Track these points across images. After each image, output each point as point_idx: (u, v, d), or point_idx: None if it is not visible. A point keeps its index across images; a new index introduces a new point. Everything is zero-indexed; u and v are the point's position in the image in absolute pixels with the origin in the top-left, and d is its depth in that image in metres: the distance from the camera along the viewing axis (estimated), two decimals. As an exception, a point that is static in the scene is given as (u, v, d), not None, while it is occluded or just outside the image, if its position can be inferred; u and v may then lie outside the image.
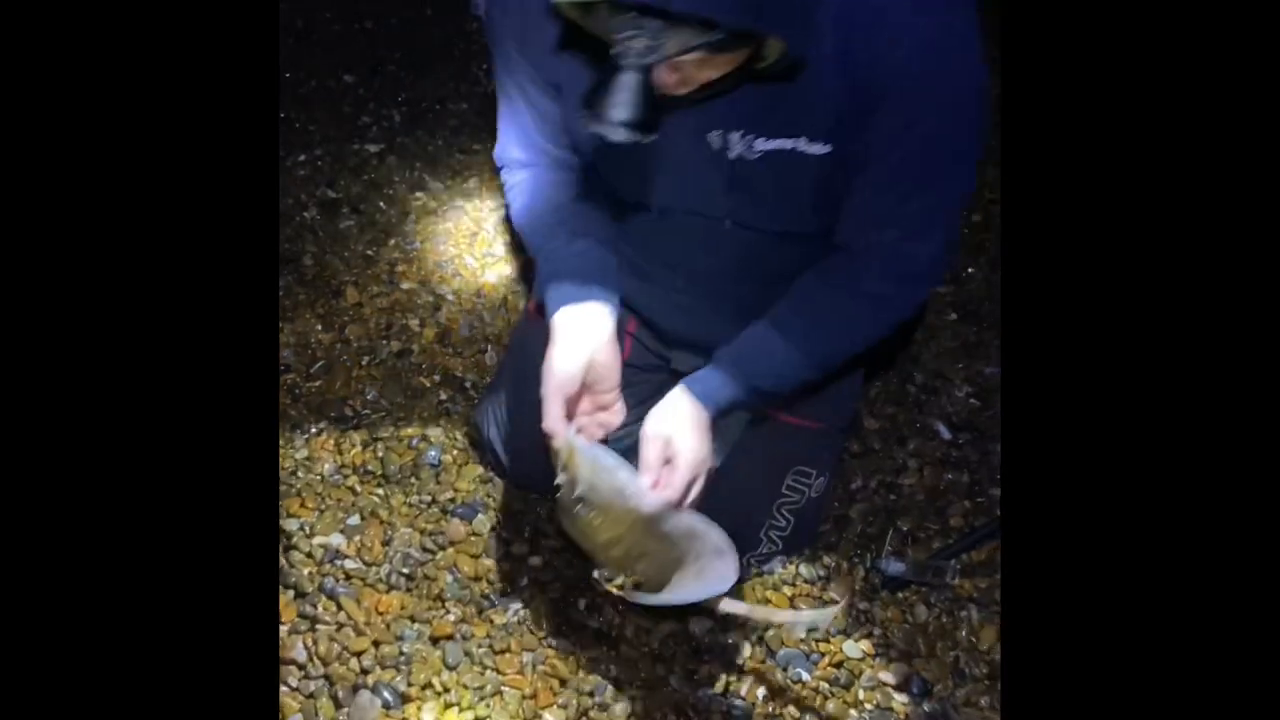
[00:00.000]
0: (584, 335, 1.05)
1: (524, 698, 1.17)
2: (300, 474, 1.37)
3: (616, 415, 1.09)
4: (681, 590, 1.05)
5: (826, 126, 0.98)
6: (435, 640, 1.20)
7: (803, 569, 1.35)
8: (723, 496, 1.30)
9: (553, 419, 1.02)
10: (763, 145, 1.00)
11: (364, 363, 1.53)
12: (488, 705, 1.15)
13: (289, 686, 1.13)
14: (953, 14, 0.94)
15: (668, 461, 1.04)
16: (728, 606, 1.07)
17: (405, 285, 1.66)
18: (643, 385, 1.28)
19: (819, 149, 1.00)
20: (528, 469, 1.32)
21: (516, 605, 1.24)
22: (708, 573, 1.04)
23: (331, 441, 1.41)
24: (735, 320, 1.14)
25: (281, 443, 1.40)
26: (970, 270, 1.78)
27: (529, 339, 1.29)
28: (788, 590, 1.33)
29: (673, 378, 1.23)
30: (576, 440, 1.03)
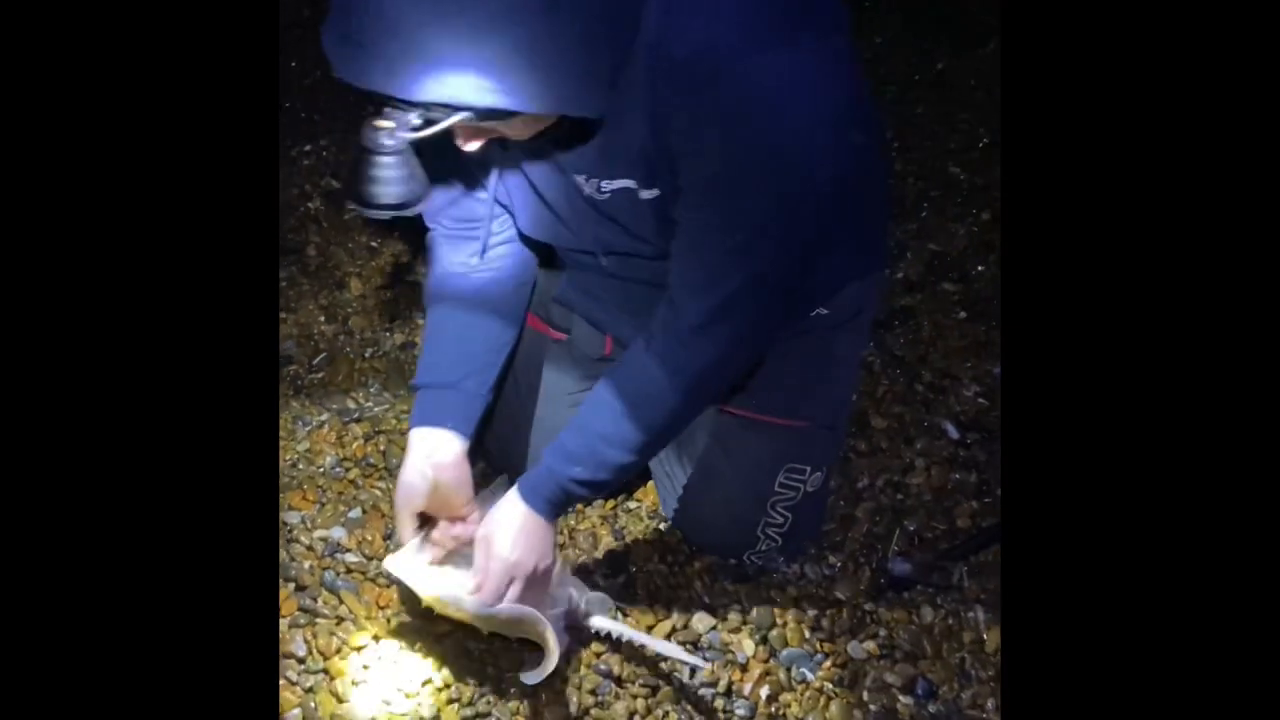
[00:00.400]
0: (428, 460, 1.11)
1: (524, 695, 1.16)
2: (302, 466, 1.36)
3: (470, 526, 1.12)
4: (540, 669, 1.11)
5: (645, 171, 0.95)
6: (436, 636, 1.19)
7: (808, 569, 1.34)
8: (713, 498, 1.29)
9: (402, 533, 1.12)
10: (608, 186, 0.99)
11: (367, 355, 1.52)
12: (488, 701, 1.14)
13: (289, 680, 1.12)
14: (791, 52, 0.87)
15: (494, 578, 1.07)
16: (600, 624, 1.15)
17: (409, 278, 1.65)
18: None
19: (649, 193, 0.97)
20: (516, 467, 1.31)
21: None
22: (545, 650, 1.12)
23: (333, 434, 1.40)
24: None
25: (283, 434, 1.39)
26: (980, 268, 1.77)
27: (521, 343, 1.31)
28: (792, 590, 1.31)
29: None
30: (394, 571, 1.12)
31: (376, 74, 0.79)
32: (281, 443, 1.38)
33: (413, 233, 1.72)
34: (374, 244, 1.70)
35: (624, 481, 1.18)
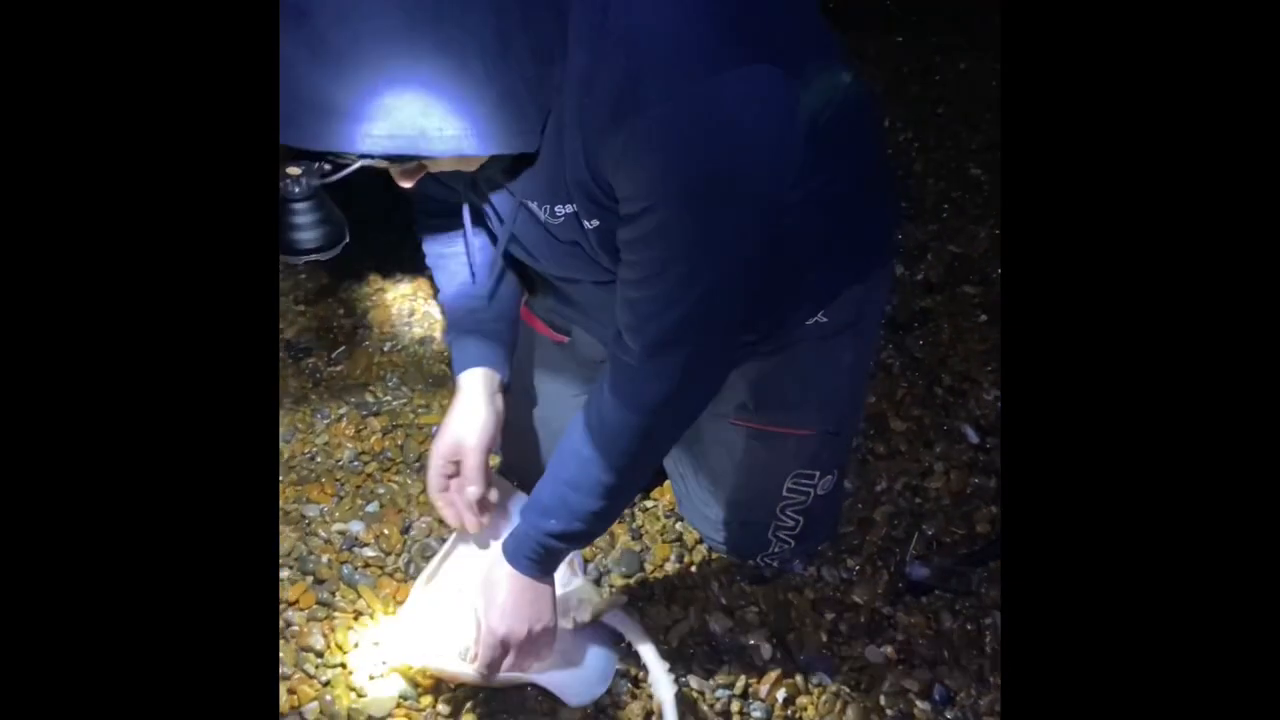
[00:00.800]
0: (453, 416, 1.11)
1: (540, 695, 1.15)
2: (320, 459, 1.36)
3: (477, 485, 1.11)
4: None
5: (585, 202, 0.93)
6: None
7: (825, 572, 1.33)
8: (722, 503, 1.29)
9: (431, 491, 1.11)
10: (561, 211, 0.97)
11: (386, 349, 1.52)
12: (503, 701, 1.14)
13: (306, 674, 1.12)
14: (716, 80, 0.83)
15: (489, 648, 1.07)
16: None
17: (428, 273, 1.64)
18: None
19: (590, 223, 0.95)
20: (519, 467, 1.35)
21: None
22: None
23: (352, 428, 1.40)
24: None
25: (301, 427, 1.39)
26: (1000, 272, 1.75)
27: (521, 343, 1.30)
28: (810, 593, 1.31)
29: None
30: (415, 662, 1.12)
31: (287, 126, 0.77)
32: (300, 435, 1.38)
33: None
34: (392, 238, 1.70)
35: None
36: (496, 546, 1.13)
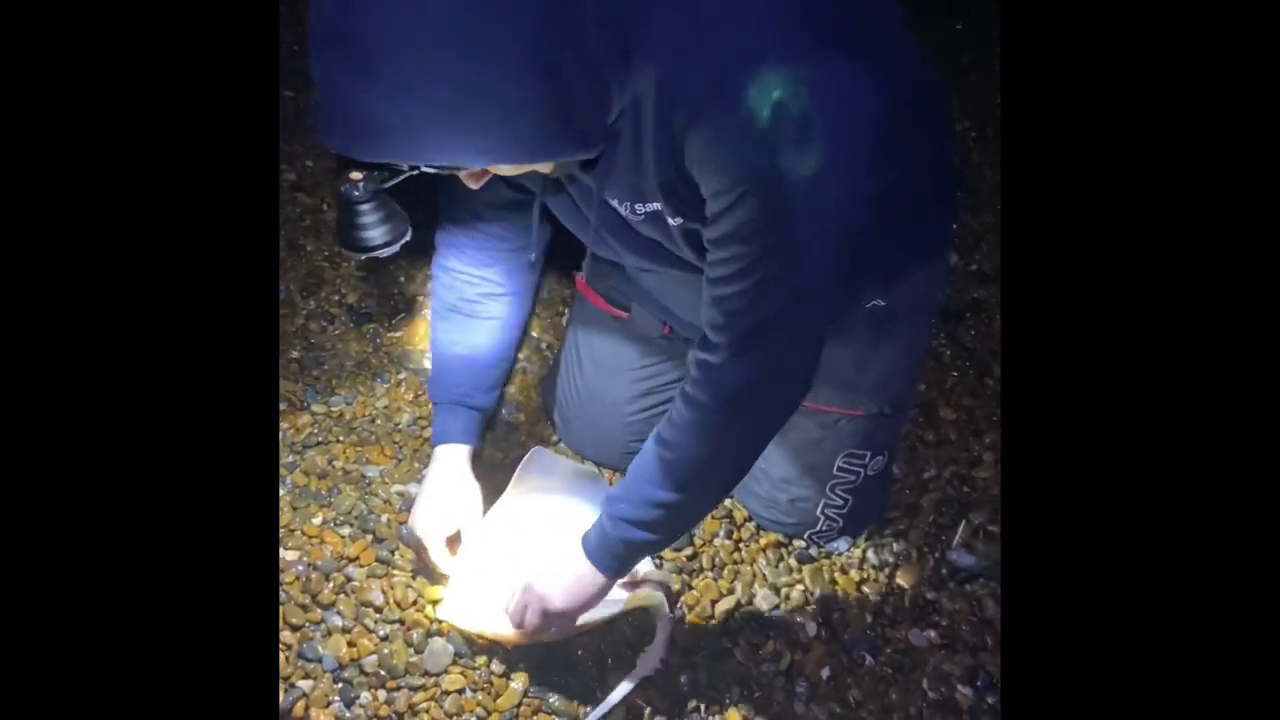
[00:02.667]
0: (442, 494, 1.21)
1: (590, 658, 1.18)
2: (380, 422, 1.39)
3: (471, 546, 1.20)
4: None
5: (670, 200, 0.93)
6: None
7: (871, 554, 1.35)
8: (772, 479, 1.31)
9: (439, 563, 1.19)
10: (641, 209, 0.98)
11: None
12: (554, 660, 1.17)
13: (366, 627, 1.16)
14: (801, 72, 0.81)
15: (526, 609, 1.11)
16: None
17: (486, 243, 1.66)
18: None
19: (675, 220, 0.95)
20: (576, 438, 1.39)
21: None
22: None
23: (411, 393, 1.43)
24: None
25: (362, 390, 1.42)
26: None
27: (576, 312, 1.38)
28: (855, 574, 1.33)
29: None
30: (447, 619, 1.17)
31: (339, 139, 0.81)
32: (360, 398, 1.41)
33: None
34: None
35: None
36: (536, 518, 1.19)
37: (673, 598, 1.24)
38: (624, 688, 1.15)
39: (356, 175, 0.88)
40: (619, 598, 1.18)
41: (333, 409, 1.39)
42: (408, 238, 0.93)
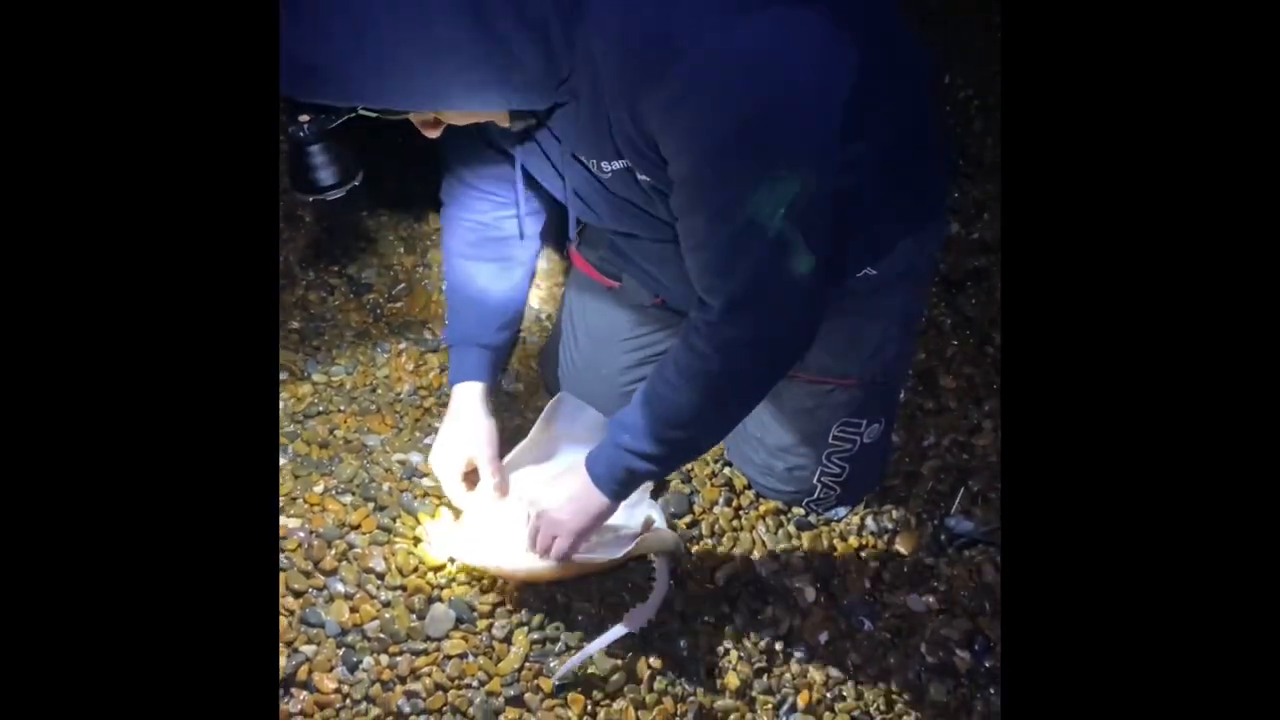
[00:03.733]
0: (459, 431, 1.22)
1: (591, 623, 1.19)
2: (380, 391, 1.39)
3: (504, 492, 1.22)
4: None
5: (635, 157, 0.94)
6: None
7: (870, 521, 1.36)
8: (769, 448, 1.31)
9: (457, 501, 1.21)
10: (608, 166, 0.98)
11: (444, 288, 1.54)
12: (556, 627, 1.18)
13: (368, 594, 1.17)
14: (752, 23, 0.82)
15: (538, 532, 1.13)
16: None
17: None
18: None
19: (643, 178, 0.96)
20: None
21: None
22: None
23: (411, 363, 1.43)
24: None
25: (363, 360, 1.42)
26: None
27: (571, 283, 1.39)
28: (854, 541, 1.33)
29: None
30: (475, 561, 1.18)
31: (284, 81, 0.83)
32: (361, 368, 1.41)
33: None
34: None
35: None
36: (556, 461, 1.22)
37: (679, 556, 1.24)
38: (615, 631, 1.15)
39: (304, 117, 0.90)
40: (628, 534, 1.19)
41: (333, 379, 1.39)
42: (357, 182, 0.96)
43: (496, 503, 1.21)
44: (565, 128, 0.98)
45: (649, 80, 0.84)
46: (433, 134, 0.96)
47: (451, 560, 1.20)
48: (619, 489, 1.11)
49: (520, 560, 1.15)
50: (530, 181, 1.17)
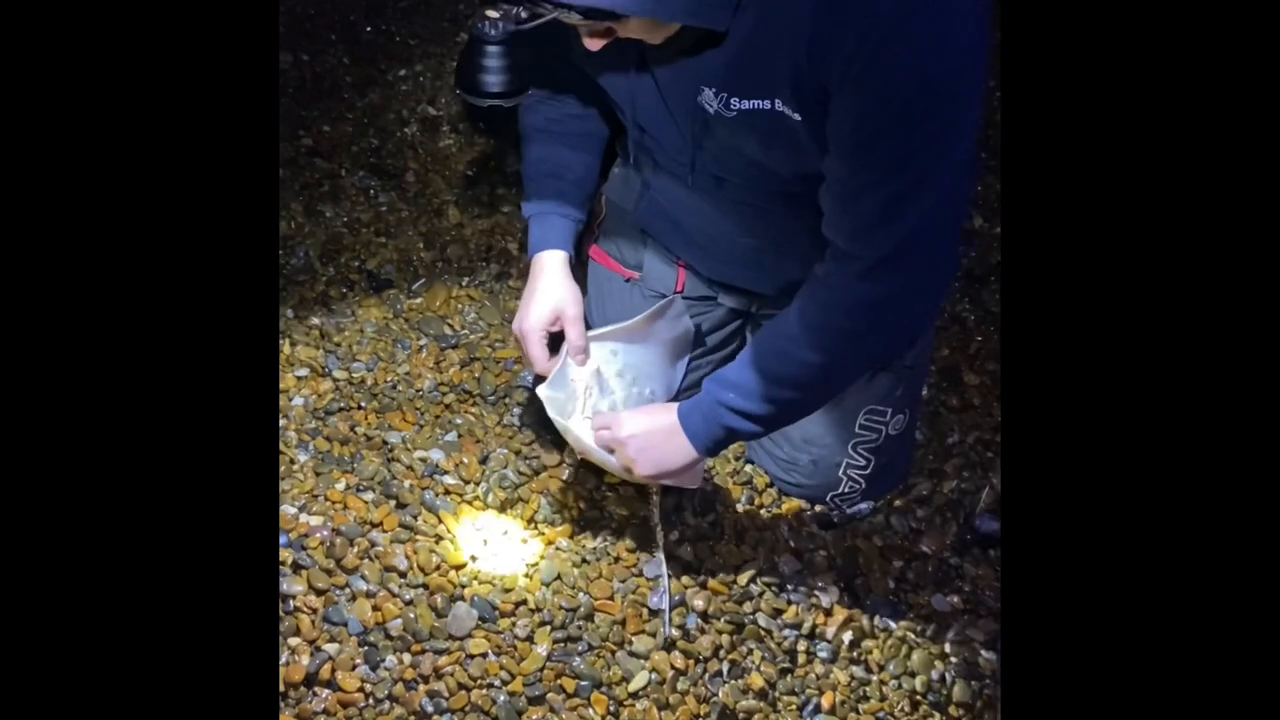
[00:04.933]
0: (547, 288, 1.19)
1: (614, 623, 1.19)
2: (401, 388, 1.39)
3: (586, 353, 1.21)
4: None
5: (792, 94, 0.94)
6: (530, 560, 1.22)
7: (894, 520, 1.34)
8: (794, 439, 1.30)
9: (539, 365, 1.19)
10: (738, 105, 0.99)
11: (463, 283, 1.54)
12: (579, 626, 1.18)
13: (390, 592, 1.17)
14: None
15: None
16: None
17: (505, 209, 1.65)
18: (698, 315, 1.33)
19: (795, 116, 0.96)
20: None
21: (606, 534, 1.26)
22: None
23: (431, 359, 1.43)
24: (748, 269, 1.22)
25: (383, 356, 1.42)
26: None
27: (591, 279, 1.39)
28: (878, 540, 1.32)
29: (726, 312, 1.33)
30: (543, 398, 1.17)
31: None
32: (381, 365, 1.41)
33: (509, 163, 1.72)
34: (469, 173, 1.71)
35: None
36: (645, 348, 1.24)
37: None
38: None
39: (493, 14, 0.88)
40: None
41: (354, 375, 1.39)
42: (524, 98, 0.94)
43: (576, 366, 1.20)
44: (706, 58, 0.98)
45: (855, 22, 0.86)
46: (596, 45, 0.95)
47: (474, 558, 1.20)
48: (714, 446, 1.12)
49: (589, 436, 1.15)
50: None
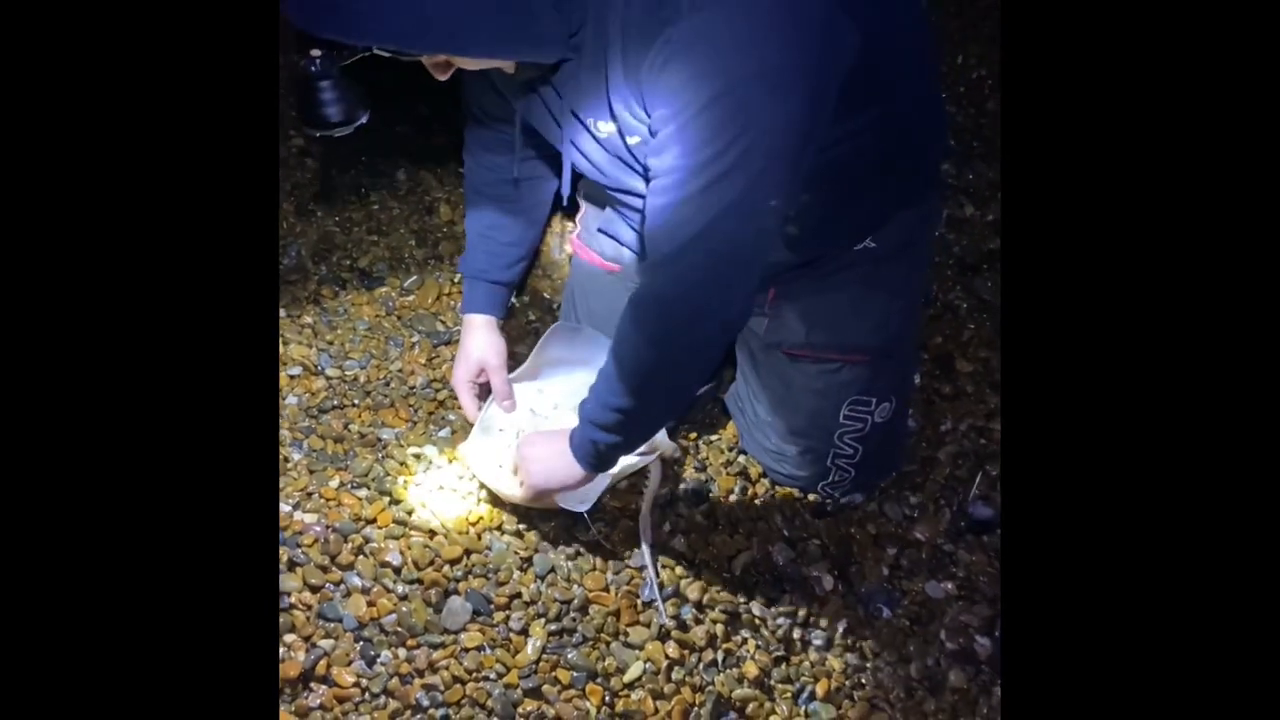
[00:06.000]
0: (472, 345, 1.31)
1: (608, 614, 1.19)
2: (394, 385, 1.39)
3: (510, 399, 1.31)
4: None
5: (624, 118, 0.97)
6: (523, 553, 1.23)
7: (887, 508, 1.35)
8: (781, 431, 1.30)
9: (468, 408, 1.31)
10: (605, 127, 1.02)
11: (456, 279, 1.54)
12: (573, 619, 1.18)
13: (385, 587, 1.17)
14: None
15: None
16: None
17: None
18: None
19: (631, 138, 1.00)
20: None
21: (601, 525, 1.26)
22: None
23: (424, 356, 1.43)
24: None
25: (375, 354, 1.42)
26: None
27: (574, 273, 1.41)
28: (872, 528, 1.33)
29: None
30: (465, 456, 1.28)
31: (301, 14, 0.86)
32: (375, 362, 1.41)
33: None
34: (461, 170, 1.71)
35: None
36: (542, 380, 1.33)
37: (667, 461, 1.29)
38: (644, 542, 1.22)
39: (316, 52, 0.92)
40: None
41: (347, 373, 1.40)
42: (364, 120, 0.98)
43: (504, 414, 1.30)
44: (565, 83, 1.02)
45: (650, 39, 0.89)
46: (442, 77, 0.98)
47: (468, 552, 1.20)
48: (590, 461, 1.13)
49: (508, 484, 1.21)
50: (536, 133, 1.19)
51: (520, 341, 1.47)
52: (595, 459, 1.13)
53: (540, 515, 1.26)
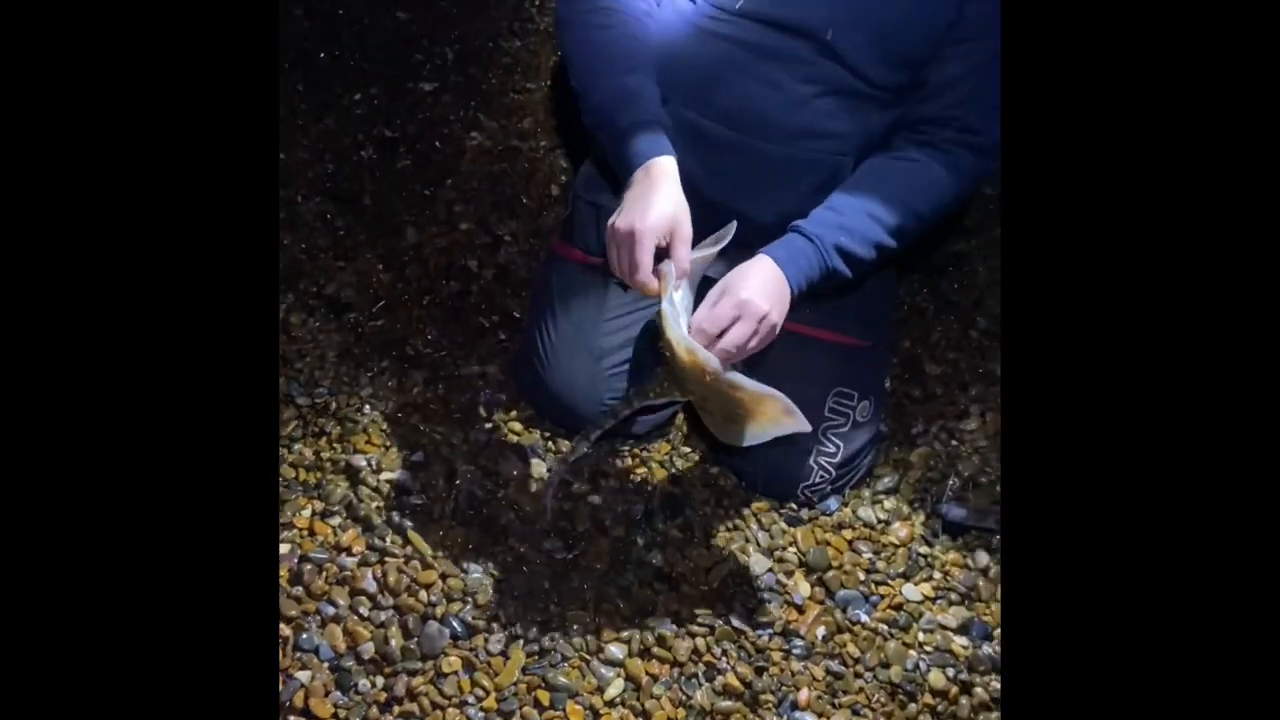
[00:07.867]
0: (667, 197, 1.12)
1: (587, 632, 1.19)
2: (366, 410, 1.39)
3: (685, 260, 1.13)
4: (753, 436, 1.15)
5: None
6: (499, 575, 1.22)
7: (862, 512, 1.35)
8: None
9: (644, 271, 1.10)
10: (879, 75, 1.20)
11: (424, 302, 1.54)
12: (551, 639, 1.18)
13: (360, 616, 1.17)
14: None
15: (736, 320, 1.10)
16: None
17: (463, 225, 1.66)
18: None
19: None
20: (551, 402, 1.36)
21: (575, 544, 1.26)
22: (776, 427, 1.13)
23: (394, 380, 1.43)
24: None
25: (346, 380, 1.42)
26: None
27: (555, 281, 1.37)
28: (847, 533, 1.33)
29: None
30: (665, 307, 1.10)
31: None
32: (345, 389, 1.41)
33: (464, 181, 1.73)
34: (427, 192, 1.71)
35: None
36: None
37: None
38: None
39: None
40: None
41: (317, 400, 1.39)
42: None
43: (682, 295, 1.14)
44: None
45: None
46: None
47: (444, 576, 1.20)
48: (807, 286, 1.15)
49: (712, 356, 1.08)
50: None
51: (490, 362, 1.47)
52: (812, 285, 1.15)
53: (517, 534, 1.26)
